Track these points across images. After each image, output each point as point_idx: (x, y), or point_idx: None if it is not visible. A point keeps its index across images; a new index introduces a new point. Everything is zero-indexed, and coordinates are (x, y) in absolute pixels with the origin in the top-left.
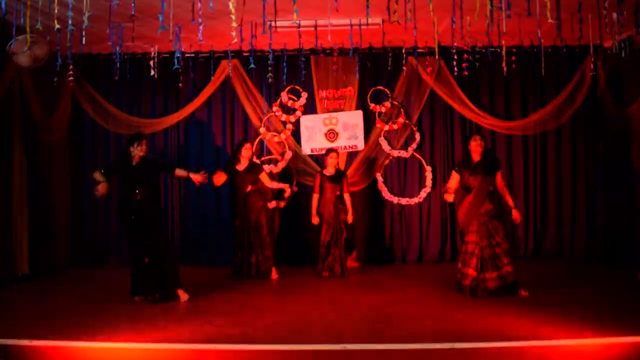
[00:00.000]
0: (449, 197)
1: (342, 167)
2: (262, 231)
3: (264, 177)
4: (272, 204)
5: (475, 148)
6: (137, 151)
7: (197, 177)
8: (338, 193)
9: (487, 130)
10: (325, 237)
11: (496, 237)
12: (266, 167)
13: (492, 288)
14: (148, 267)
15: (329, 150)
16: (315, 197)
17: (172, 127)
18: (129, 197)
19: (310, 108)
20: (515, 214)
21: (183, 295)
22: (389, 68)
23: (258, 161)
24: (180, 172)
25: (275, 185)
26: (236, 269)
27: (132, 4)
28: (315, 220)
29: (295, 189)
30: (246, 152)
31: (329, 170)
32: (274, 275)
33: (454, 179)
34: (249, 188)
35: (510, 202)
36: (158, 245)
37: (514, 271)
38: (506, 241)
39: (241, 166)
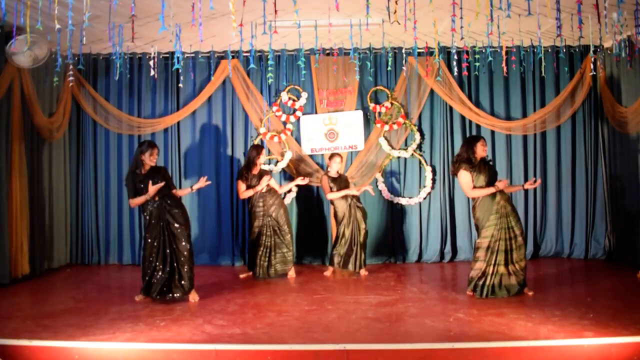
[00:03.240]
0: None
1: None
2: (283, 231)
3: (273, 183)
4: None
5: (482, 152)
6: (148, 160)
7: (200, 186)
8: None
9: (487, 130)
10: (341, 235)
11: (515, 230)
12: (266, 167)
13: (501, 284)
14: (164, 270)
15: (333, 154)
16: (331, 194)
17: (172, 127)
18: (146, 204)
19: (310, 108)
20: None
21: (194, 297)
22: (389, 68)
23: (266, 168)
24: (179, 192)
25: (285, 187)
26: (255, 270)
27: (132, 4)
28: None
29: (305, 180)
30: (263, 159)
31: (332, 174)
32: (292, 274)
33: (470, 178)
34: (264, 189)
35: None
36: (179, 248)
37: (525, 268)
38: (522, 236)
39: (256, 170)
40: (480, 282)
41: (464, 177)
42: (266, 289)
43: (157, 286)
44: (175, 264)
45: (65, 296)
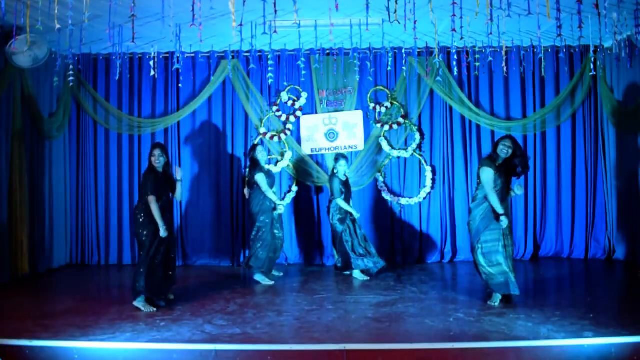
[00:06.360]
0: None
1: None
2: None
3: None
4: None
5: (503, 151)
6: (153, 162)
7: (179, 174)
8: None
9: (487, 130)
10: (350, 237)
11: (510, 238)
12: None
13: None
14: (173, 271)
15: (339, 156)
16: (342, 202)
17: (172, 127)
18: (165, 206)
19: (310, 108)
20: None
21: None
22: (389, 68)
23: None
24: (177, 194)
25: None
26: (267, 267)
27: (132, 4)
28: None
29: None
30: (262, 155)
31: (341, 176)
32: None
33: (493, 178)
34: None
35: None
36: (174, 250)
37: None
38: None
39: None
40: (503, 281)
41: (487, 176)
42: (266, 289)
43: (164, 287)
44: (172, 267)
45: (65, 296)
